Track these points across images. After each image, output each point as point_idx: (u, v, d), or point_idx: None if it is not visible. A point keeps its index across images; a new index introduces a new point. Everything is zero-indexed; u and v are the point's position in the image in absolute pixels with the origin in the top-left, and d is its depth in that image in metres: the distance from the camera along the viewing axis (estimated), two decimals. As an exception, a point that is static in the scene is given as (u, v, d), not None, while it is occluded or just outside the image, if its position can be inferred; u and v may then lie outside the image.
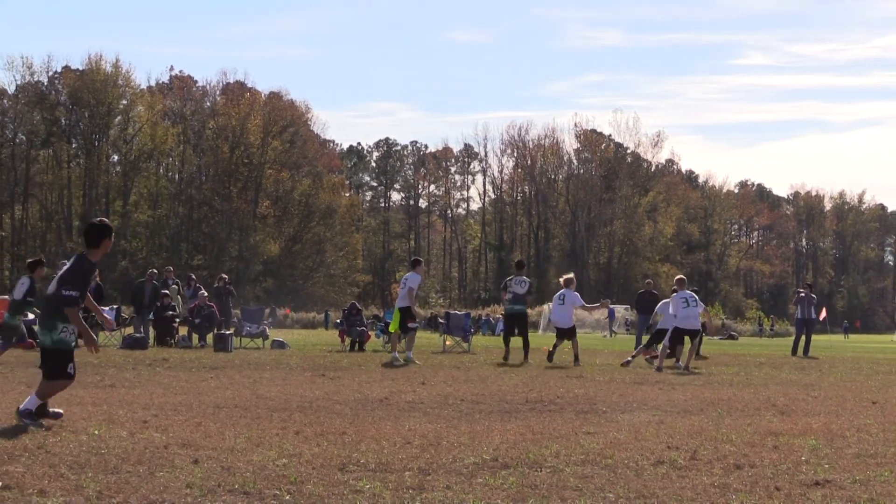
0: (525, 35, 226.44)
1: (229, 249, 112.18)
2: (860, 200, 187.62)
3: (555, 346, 27.37)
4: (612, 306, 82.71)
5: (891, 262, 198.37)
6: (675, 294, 26.14)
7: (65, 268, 12.10)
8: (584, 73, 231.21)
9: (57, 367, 11.89)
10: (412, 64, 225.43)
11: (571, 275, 28.93)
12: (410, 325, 26.57)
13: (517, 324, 27.90)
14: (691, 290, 26.39)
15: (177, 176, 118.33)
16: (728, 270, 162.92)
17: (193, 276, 38.32)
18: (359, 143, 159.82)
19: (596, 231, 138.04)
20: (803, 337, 36.31)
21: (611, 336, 72.94)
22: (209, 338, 33.05)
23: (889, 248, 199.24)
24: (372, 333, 36.44)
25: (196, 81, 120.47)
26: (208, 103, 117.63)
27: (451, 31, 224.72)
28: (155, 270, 37.46)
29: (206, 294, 35.44)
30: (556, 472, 9.13)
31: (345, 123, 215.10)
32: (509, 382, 19.70)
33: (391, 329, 27.53)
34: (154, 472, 8.77)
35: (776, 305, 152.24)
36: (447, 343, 34.61)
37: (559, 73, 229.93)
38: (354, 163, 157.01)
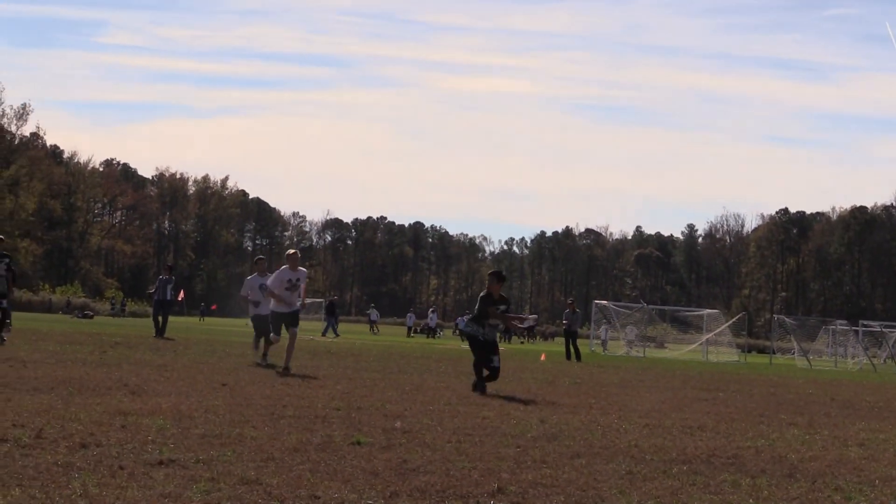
0: None
1: None
2: (223, 185, 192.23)
3: None
4: None
5: (249, 248, 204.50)
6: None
7: None
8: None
9: None
10: None
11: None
12: None
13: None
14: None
15: None
16: (90, 248, 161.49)
17: None
18: None
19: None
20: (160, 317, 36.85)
21: None
22: None
23: (248, 234, 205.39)
24: None
25: None
26: None
27: None
28: None
29: None
30: None
31: None
32: None
33: None
34: None
35: (136, 286, 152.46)
36: None
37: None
38: None
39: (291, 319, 22.33)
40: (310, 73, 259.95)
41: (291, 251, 23.13)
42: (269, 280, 22.97)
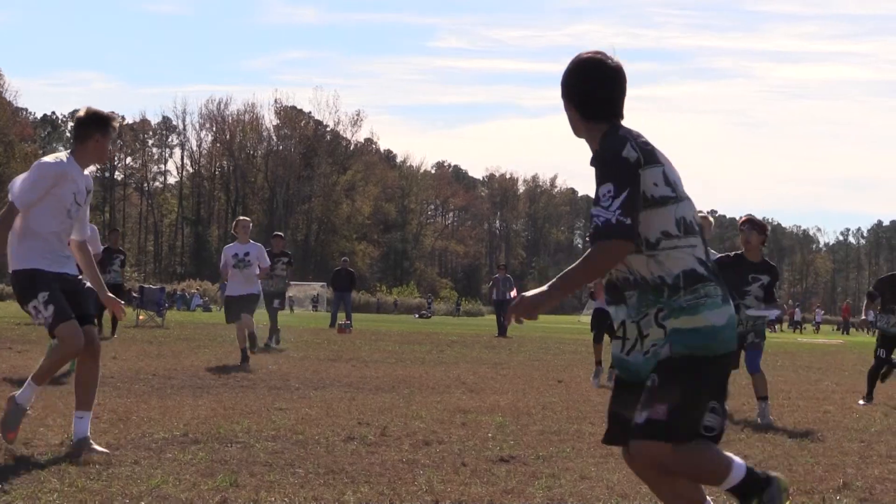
0: (224, 9, 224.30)
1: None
2: (552, 184, 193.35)
3: None
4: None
5: (580, 245, 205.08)
6: None
7: None
8: (283, 49, 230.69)
9: None
10: (108, 33, 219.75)
11: None
12: None
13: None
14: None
15: None
16: (423, 250, 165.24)
17: None
18: (53, 113, 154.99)
19: (294, 208, 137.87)
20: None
21: None
22: None
23: (579, 232, 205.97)
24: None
25: None
26: None
27: (149, 2, 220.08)
28: None
29: None
30: (247, 447, 9.08)
31: (38, 92, 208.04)
32: (202, 358, 19.51)
33: None
34: None
35: (469, 285, 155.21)
36: (140, 318, 34.00)
37: (259, 49, 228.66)
38: (48, 132, 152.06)
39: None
40: (637, 69, 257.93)
41: None
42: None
